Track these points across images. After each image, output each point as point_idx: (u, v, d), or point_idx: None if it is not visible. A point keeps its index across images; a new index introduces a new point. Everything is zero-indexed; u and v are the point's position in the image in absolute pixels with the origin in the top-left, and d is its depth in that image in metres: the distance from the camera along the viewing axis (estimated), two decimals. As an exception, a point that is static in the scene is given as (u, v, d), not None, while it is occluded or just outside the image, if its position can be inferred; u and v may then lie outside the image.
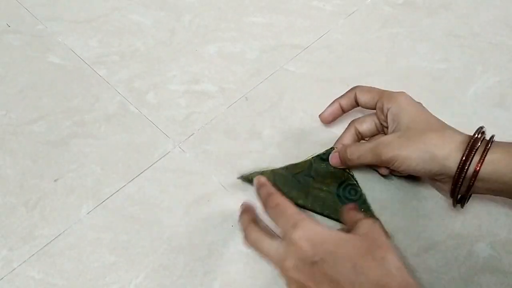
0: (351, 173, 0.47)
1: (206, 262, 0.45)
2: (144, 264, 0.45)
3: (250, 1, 0.62)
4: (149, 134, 0.52)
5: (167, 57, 0.58)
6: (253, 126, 0.53)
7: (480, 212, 0.47)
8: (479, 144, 0.39)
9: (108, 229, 0.46)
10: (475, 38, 0.59)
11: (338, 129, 0.51)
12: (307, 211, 0.46)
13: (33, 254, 0.45)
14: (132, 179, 0.49)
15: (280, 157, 0.50)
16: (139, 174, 0.49)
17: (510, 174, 0.39)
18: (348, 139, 0.47)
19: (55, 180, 0.49)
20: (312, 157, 0.48)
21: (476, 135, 0.40)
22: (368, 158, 0.43)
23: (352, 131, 0.47)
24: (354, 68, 0.57)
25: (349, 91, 0.48)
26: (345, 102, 0.48)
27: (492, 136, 0.40)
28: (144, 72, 0.56)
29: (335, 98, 0.49)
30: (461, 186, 0.41)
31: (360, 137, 0.48)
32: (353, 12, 0.62)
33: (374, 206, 0.46)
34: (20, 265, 0.45)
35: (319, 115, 0.50)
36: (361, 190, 0.46)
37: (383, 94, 0.45)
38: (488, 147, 0.39)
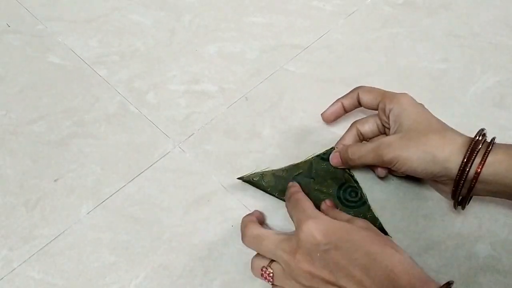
0: (351, 173, 0.47)
1: (206, 262, 0.45)
2: (144, 264, 0.45)
3: (250, 1, 0.62)
4: (149, 134, 0.52)
5: (167, 57, 0.58)
6: (253, 126, 0.53)
7: (480, 212, 0.47)
8: (480, 146, 0.39)
9: (108, 229, 0.46)
10: (475, 38, 0.59)
11: (338, 129, 0.51)
12: None
13: (33, 254, 0.45)
14: (132, 179, 0.49)
15: (280, 157, 0.50)
16: (139, 174, 0.49)
17: (511, 176, 0.39)
18: (350, 139, 0.47)
19: (55, 180, 0.49)
20: (313, 157, 0.48)
21: (477, 137, 0.40)
22: (369, 159, 0.44)
23: (353, 132, 0.48)
24: (354, 68, 0.57)
25: (351, 91, 0.49)
26: (347, 102, 0.49)
27: (493, 138, 0.40)
28: (144, 72, 0.56)
29: (338, 98, 0.49)
30: (462, 188, 0.41)
31: (362, 138, 0.48)
32: (353, 12, 0.62)
33: (374, 206, 0.46)
34: (20, 265, 0.45)
35: (321, 114, 0.50)
36: (361, 192, 0.46)
37: (385, 95, 0.45)
38: (489, 149, 0.39)
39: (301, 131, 0.52)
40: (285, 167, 0.48)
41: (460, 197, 0.42)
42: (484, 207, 0.47)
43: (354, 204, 0.46)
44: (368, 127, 0.47)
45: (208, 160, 0.50)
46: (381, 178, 0.48)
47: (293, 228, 0.40)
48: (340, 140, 0.48)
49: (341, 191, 0.46)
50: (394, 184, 0.49)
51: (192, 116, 0.53)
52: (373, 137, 0.48)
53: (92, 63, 0.57)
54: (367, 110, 0.48)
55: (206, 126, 0.53)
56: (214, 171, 0.50)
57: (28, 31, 0.59)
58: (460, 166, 0.40)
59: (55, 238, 0.46)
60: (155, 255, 0.45)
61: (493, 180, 0.39)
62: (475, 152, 0.39)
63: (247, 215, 0.44)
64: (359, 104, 0.48)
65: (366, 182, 0.48)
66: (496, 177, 0.39)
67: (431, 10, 0.62)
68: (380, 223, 0.45)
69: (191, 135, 0.52)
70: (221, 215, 0.47)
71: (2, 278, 0.44)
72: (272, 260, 0.39)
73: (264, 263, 0.39)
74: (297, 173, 0.47)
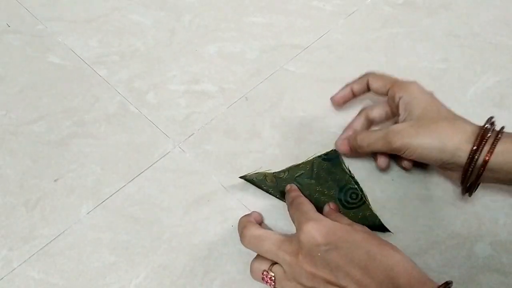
0: (352, 175, 0.47)
1: (206, 262, 0.45)
2: (144, 264, 0.45)
3: (250, 1, 0.62)
4: (149, 134, 0.52)
5: (167, 57, 0.58)
6: (253, 126, 0.52)
7: (480, 212, 0.47)
8: (489, 134, 0.40)
9: (108, 229, 0.46)
10: (475, 38, 0.59)
11: (338, 129, 0.51)
12: None
13: (33, 254, 0.45)
14: (132, 179, 0.49)
15: (280, 157, 0.50)
16: (139, 174, 0.49)
17: None
18: (359, 125, 0.49)
19: (55, 180, 0.49)
20: (314, 158, 0.48)
21: (486, 125, 0.41)
22: (379, 146, 0.44)
23: (362, 118, 0.49)
24: (354, 68, 0.56)
25: (361, 77, 0.49)
26: (357, 87, 0.50)
27: (503, 127, 0.41)
28: (144, 72, 0.56)
29: (347, 83, 0.50)
30: (470, 175, 0.41)
31: (370, 124, 0.49)
32: (353, 12, 0.62)
33: (374, 206, 0.46)
34: (20, 265, 0.45)
35: (331, 98, 0.51)
36: (362, 194, 0.46)
37: (395, 82, 0.46)
38: (498, 138, 0.40)
39: (301, 131, 0.52)
40: (286, 168, 0.47)
41: (468, 184, 0.43)
42: (484, 207, 0.47)
43: (355, 205, 0.46)
44: (377, 112, 0.48)
45: (208, 160, 0.50)
46: (382, 170, 0.48)
47: (293, 229, 0.40)
48: (348, 125, 0.49)
49: (342, 193, 0.46)
50: (394, 184, 0.49)
51: (192, 116, 0.53)
52: (382, 122, 0.49)
53: (92, 63, 0.57)
54: (375, 97, 0.49)
55: (206, 126, 0.53)
56: (214, 171, 0.50)
57: (28, 31, 0.59)
58: (469, 154, 0.40)
59: (55, 238, 0.46)
60: (155, 255, 0.45)
61: (502, 168, 0.40)
62: (484, 140, 0.40)
63: (245, 215, 0.44)
64: (368, 89, 0.49)
65: (366, 182, 0.48)
66: (504, 165, 0.40)
67: (431, 10, 0.62)
68: (380, 221, 0.45)
69: (191, 135, 0.52)
70: (221, 215, 0.47)
71: (2, 278, 0.44)
72: (273, 263, 0.39)
73: (265, 267, 0.39)
74: (298, 174, 0.47)
